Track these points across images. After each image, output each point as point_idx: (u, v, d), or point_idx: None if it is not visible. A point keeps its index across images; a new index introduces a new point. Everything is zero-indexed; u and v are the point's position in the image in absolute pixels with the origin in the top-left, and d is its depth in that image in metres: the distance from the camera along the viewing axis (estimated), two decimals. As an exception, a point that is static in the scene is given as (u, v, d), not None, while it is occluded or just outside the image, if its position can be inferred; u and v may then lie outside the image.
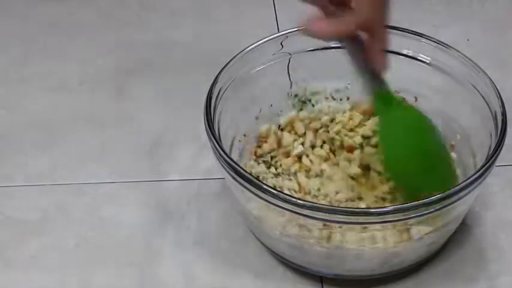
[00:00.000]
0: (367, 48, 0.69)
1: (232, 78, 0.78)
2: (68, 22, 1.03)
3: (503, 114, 0.73)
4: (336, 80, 0.83)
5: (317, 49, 0.81)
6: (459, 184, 0.68)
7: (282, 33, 0.81)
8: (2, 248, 0.77)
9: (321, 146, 0.80)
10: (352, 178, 0.77)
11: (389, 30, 0.70)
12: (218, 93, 0.76)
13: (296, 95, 0.83)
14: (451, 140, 0.80)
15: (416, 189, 0.71)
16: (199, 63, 0.95)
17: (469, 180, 0.68)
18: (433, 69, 0.80)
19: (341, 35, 0.68)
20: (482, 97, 0.76)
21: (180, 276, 0.75)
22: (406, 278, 0.75)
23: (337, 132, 0.81)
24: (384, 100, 0.72)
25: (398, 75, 0.81)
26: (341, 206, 0.74)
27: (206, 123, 0.73)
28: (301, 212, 0.67)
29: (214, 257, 0.76)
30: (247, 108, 0.81)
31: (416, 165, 0.73)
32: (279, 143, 0.81)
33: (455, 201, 0.68)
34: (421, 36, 0.80)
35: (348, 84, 0.83)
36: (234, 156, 0.77)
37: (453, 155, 0.80)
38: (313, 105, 0.84)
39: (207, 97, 0.74)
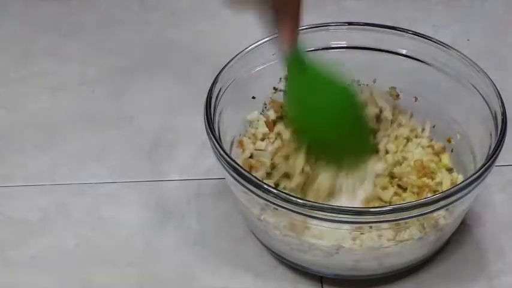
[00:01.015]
0: (278, 22, 0.70)
1: (232, 78, 0.78)
2: (68, 22, 1.03)
3: (503, 114, 0.73)
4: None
5: (317, 49, 0.81)
6: (459, 184, 0.68)
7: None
8: (2, 248, 0.77)
9: None
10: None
11: (302, 9, 0.70)
12: (218, 93, 0.76)
13: None
14: (448, 137, 0.80)
15: (323, 151, 0.73)
16: (199, 63, 0.95)
17: (469, 180, 0.68)
18: (433, 69, 0.80)
19: (247, 8, 0.69)
20: (482, 97, 0.76)
21: (180, 276, 0.75)
22: (406, 278, 0.75)
23: None
24: (295, 65, 0.73)
25: (399, 75, 0.82)
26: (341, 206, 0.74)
27: (206, 123, 0.73)
28: (301, 212, 0.67)
29: (214, 257, 0.76)
30: (247, 108, 0.81)
31: (320, 126, 0.74)
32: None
33: (455, 201, 0.68)
34: (421, 36, 0.80)
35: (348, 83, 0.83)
36: (234, 156, 0.77)
37: (453, 154, 0.80)
38: None
39: (207, 97, 0.74)
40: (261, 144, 0.80)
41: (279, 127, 0.81)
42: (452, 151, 0.80)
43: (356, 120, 0.76)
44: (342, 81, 0.75)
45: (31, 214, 0.80)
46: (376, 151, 0.78)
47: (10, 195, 0.82)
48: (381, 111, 0.80)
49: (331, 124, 0.74)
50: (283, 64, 0.73)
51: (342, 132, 0.74)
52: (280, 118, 0.81)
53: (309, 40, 0.81)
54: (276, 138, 0.80)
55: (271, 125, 0.81)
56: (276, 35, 0.71)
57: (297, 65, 0.72)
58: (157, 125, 0.89)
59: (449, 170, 0.79)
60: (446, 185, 0.76)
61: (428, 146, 0.80)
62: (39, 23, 1.03)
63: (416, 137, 0.80)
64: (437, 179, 0.77)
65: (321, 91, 0.74)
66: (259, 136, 0.80)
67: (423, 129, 0.81)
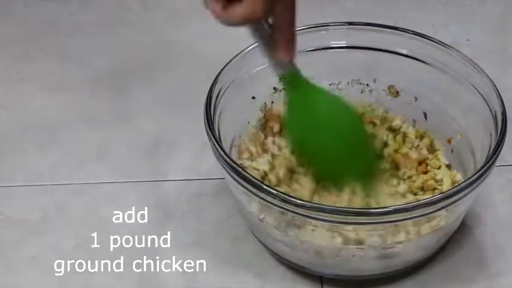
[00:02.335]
0: (271, 37, 0.69)
1: (232, 78, 0.78)
2: (68, 22, 1.03)
3: (503, 114, 0.73)
4: (335, 79, 0.83)
5: (317, 49, 0.81)
6: (459, 184, 0.68)
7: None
8: (2, 248, 0.77)
9: None
10: None
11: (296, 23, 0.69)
12: (218, 93, 0.76)
13: None
14: (448, 137, 0.80)
15: (326, 170, 0.73)
16: (199, 63, 0.95)
17: (469, 180, 0.68)
18: (433, 69, 0.80)
19: (234, 22, 0.66)
20: (482, 97, 0.76)
21: (180, 276, 0.75)
22: (406, 278, 0.75)
23: None
24: (292, 83, 0.72)
25: (399, 75, 0.82)
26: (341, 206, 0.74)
27: (206, 123, 0.73)
28: (301, 212, 0.67)
29: (214, 257, 0.76)
30: (247, 108, 0.81)
31: (321, 146, 0.73)
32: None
33: (455, 201, 0.68)
34: (421, 36, 0.80)
35: (348, 83, 0.83)
36: (234, 156, 0.77)
37: (453, 154, 0.80)
38: None
39: (207, 97, 0.74)
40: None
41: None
42: (452, 151, 0.80)
43: (359, 139, 0.75)
44: (340, 99, 0.75)
45: (31, 214, 0.80)
46: (384, 170, 0.77)
47: (10, 195, 0.82)
48: (385, 144, 0.80)
49: (333, 143, 0.73)
50: (281, 82, 0.73)
51: (345, 151, 0.74)
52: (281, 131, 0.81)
53: (309, 40, 0.81)
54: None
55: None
56: (266, 50, 0.70)
57: (296, 82, 0.72)
58: (157, 125, 0.89)
59: (448, 167, 0.79)
60: (446, 184, 0.76)
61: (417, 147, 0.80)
62: (39, 23, 1.03)
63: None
64: (438, 176, 0.77)
65: (322, 110, 0.73)
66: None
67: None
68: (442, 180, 0.77)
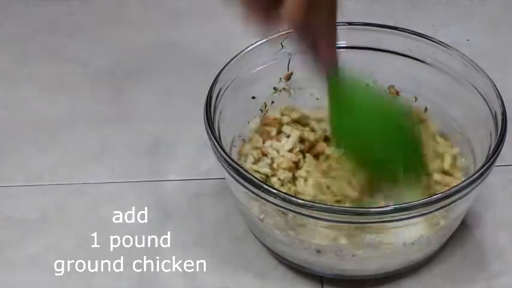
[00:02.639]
0: (314, 43, 0.68)
1: (232, 78, 0.78)
2: (68, 22, 1.03)
3: (503, 114, 0.73)
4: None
5: (317, 49, 0.81)
6: (459, 184, 0.68)
7: (282, 33, 0.81)
8: (2, 248, 0.77)
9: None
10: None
11: (341, 25, 0.70)
12: (218, 93, 0.76)
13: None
14: (452, 136, 0.80)
15: (375, 169, 0.72)
16: (199, 63, 0.95)
17: (469, 180, 0.68)
18: (433, 69, 0.80)
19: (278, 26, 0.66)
20: (482, 97, 0.76)
21: (180, 276, 0.75)
22: (406, 278, 0.75)
23: None
24: (336, 87, 0.71)
25: (399, 75, 0.82)
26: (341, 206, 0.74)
27: (206, 123, 0.73)
28: (301, 212, 0.67)
29: (214, 257, 0.76)
30: (247, 108, 0.81)
31: (371, 147, 0.72)
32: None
33: (455, 201, 0.68)
34: (421, 36, 0.80)
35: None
36: (234, 156, 0.77)
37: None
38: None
39: (207, 97, 0.74)
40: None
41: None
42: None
43: (405, 139, 0.74)
44: (387, 99, 0.75)
45: (31, 214, 0.80)
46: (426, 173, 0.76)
47: (10, 195, 0.82)
48: None
49: (380, 144, 0.72)
50: (324, 86, 0.71)
51: (391, 151, 0.73)
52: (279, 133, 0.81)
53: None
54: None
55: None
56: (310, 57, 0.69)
57: (339, 86, 0.71)
58: (157, 125, 0.89)
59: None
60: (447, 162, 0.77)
61: None
62: (39, 23, 1.03)
63: None
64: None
65: (366, 111, 0.72)
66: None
67: None
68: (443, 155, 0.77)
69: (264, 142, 0.79)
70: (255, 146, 0.79)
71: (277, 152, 0.78)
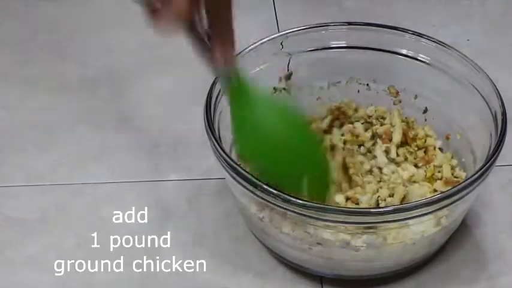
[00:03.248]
0: (210, 38, 0.67)
1: (232, 78, 0.78)
2: (68, 22, 1.03)
3: (503, 114, 0.73)
4: (335, 79, 0.83)
5: (317, 49, 0.81)
6: (459, 184, 0.69)
7: (282, 33, 0.81)
8: (2, 248, 0.77)
9: None
10: None
11: (232, 29, 0.67)
12: (218, 93, 0.76)
13: None
14: (447, 133, 0.81)
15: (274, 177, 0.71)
16: (199, 63, 0.95)
17: (469, 180, 0.68)
18: (433, 69, 0.80)
19: (166, 27, 0.66)
20: (482, 97, 0.76)
21: (180, 276, 0.75)
22: (406, 278, 0.75)
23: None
24: (236, 93, 0.71)
25: (399, 75, 0.82)
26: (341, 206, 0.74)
27: (206, 123, 0.73)
28: (301, 212, 0.67)
29: (214, 257, 0.76)
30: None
31: (270, 154, 0.72)
32: None
33: (455, 201, 0.68)
34: (421, 36, 0.80)
35: (347, 83, 0.83)
36: (234, 156, 0.77)
37: (453, 153, 0.80)
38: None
39: (207, 97, 0.74)
40: None
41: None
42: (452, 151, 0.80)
43: (305, 146, 0.74)
44: (285, 103, 0.74)
45: (31, 214, 0.80)
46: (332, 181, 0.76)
47: (10, 195, 0.82)
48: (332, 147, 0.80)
49: (280, 150, 0.72)
50: (223, 88, 0.71)
51: (293, 157, 0.72)
52: None
53: (309, 40, 0.81)
54: None
55: None
56: (206, 56, 0.68)
57: (237, 88, 0.70)
58: (157, 125, 0.89)
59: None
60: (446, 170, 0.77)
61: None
62: (39, 23, 1.03)
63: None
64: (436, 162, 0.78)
65: (266, 115, 0.72)
66: None
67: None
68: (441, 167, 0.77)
69: None
70: None
71: None
